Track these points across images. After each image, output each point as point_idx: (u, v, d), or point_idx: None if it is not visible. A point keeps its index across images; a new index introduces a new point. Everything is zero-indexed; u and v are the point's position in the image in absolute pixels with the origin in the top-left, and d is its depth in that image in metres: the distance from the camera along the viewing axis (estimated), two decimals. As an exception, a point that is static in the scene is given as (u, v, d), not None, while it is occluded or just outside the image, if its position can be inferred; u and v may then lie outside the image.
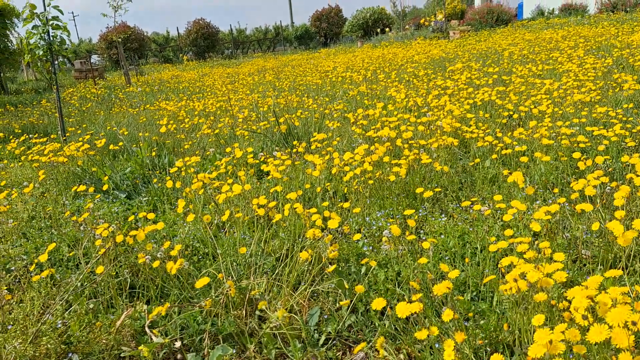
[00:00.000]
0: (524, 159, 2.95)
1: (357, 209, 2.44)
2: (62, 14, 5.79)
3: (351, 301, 1.99)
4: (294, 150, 3.92)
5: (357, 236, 2.12)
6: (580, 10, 19.91)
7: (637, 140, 3.27)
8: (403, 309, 1.38)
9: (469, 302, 1.97)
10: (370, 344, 1.89)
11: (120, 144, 4.70)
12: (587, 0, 20.52)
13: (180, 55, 29.71)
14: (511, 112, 4.46)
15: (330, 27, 30.90)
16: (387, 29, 25.15)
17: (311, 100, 6.12)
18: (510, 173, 2.48)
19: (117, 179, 4.09)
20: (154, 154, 4.55)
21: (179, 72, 18.05)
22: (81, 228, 2.55)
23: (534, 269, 1.34)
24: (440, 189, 2.87)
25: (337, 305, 2.09)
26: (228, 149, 3.71)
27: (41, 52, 5.69)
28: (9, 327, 1.81)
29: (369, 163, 2.85)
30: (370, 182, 2.85)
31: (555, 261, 1.57)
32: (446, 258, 2.36)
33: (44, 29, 5.64)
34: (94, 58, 29.13)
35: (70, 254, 2.57)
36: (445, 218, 2.69)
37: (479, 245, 2.30)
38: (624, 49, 7.06)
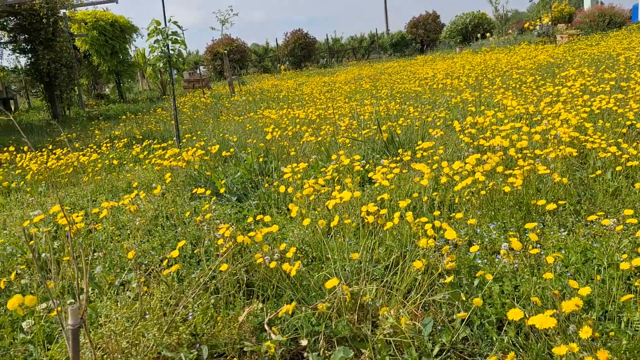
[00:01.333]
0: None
1: (472, 220, 2.40)
2: (181, 28, 6.25)
3: (468, 315, 1.95)
4: (398, 158, 3.92)
5: (475, 248, 2.08)
6: None
7: None
8: (542, 321, 1.34)
9: (596, 322, 1.86)
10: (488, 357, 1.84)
11: (232, 150, 4.97)
12: None
13: (278, 65, 30.80)
14: (633, 122, 4.14)
15: (427, 33, 30.44)
16: (487, 34, 24.33)
17: (412, 108, 6.08)
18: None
19: (228, 182, 4.33)
20: (261, 159, 4.76)
21: (278, 82, 18.69)
22: (205, 228, 2.73)
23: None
24: (564, 202, 2.73)
25: (454, 316, 2.06)
26: (334, 156, 3.79)
27: (161, 65, 6.18)
28: (146, 317, 1.99)
29: (481, 173, 2.78)
30: (483, 192, 2.78)
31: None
32: (568, 274, 2.24)
33: (164, 43, 6.12)
34: (200, 69, 31.01)
35: (195, 252, 2.77)
36: (565, 232, 2.56)
37: (605, 262, 2.16)
38: None
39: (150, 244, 3.08)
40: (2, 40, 14.50)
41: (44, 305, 2.17)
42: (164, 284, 2.39)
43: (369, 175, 3.39)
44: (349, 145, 4.98)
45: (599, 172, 3.13)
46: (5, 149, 6.42)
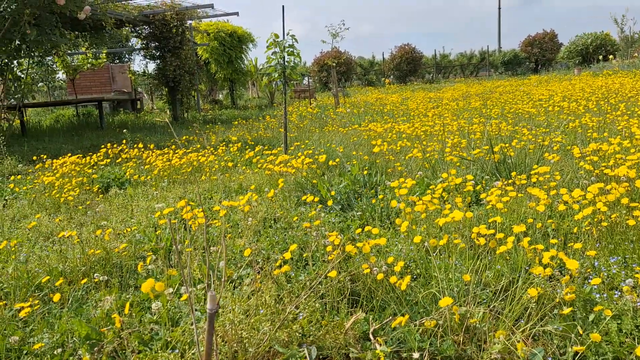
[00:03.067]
0: None
1: (592, 252, 2.28)
2: (297, 42, 6.52)
3: (585, 349, 1.86)
4: (510, 180, 3.80)
5: (597, 280, 1.98)
6: None
7: None
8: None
9: None
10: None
11: (337, 160, 5.11)
12: None
13: (383, 78, 30.92)
14: None
15: (543, 52, 29.02)
16: (610, 57, 22.68)
17: (526, 130, 5.85)
18: None
19: (333, 192, 4.45)
20: (365, 172, 4.84)
21: (382, 95, 18.76)
22: (314, 234, 2.85)
23: None
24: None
25: (566, 349, 1.98)
26: (444, 175, 3.77)
27: (277, 75, 6.49)
28: (260, 312, 2.12)
29: (603, 203, 2.63)
30: (604, 224, 2.63)
31: None
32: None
33: (281, 55, 6.43)
34: (307, 80, 31.99)
35: (304, 255, 2.89)
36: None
37: None
38: None
39: (260, 243, 3.26)
40: (136, 47, 16.03)
41: (170, 290, 2.39)
42: (274, 283, 2.53)
43: (481, 196, 3.32)
44: (457, 164, 4.91)
45: None
46: (135, 145, 7.10)
